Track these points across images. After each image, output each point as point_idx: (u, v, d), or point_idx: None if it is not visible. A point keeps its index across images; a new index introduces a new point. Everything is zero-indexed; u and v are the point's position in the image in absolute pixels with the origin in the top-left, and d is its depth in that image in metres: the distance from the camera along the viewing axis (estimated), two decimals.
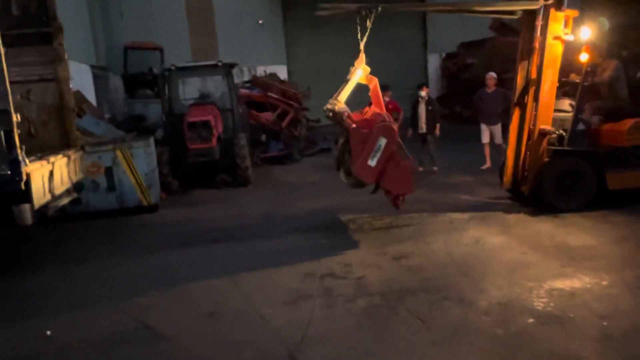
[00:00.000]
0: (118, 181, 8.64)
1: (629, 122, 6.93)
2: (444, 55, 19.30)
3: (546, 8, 6.80)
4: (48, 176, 6.25)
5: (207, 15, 19.34)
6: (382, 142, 5.96)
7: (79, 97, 11.05)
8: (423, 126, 10.32)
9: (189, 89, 12.40)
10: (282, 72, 18.96)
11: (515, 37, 8.56)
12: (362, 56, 6.60)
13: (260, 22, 19.30)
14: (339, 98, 6.37)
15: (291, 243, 6.56)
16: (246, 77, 17.36)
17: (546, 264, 5.18)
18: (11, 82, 7.47)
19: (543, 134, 6.99)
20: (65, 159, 6.66)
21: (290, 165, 12.65)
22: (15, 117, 5.47)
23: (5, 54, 7.33)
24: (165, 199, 9.64)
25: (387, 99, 10.31)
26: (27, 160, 5.54)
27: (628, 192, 6.90)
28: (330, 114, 6.35)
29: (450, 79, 18.54)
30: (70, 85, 7.78)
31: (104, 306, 5.01)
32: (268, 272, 5.56)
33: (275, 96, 13.85)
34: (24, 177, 5.49)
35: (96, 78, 16.39)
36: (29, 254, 7.06)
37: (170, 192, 10.04)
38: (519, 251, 5.63)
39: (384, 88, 10.36)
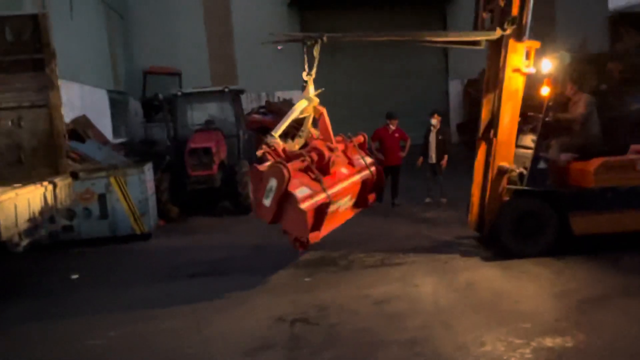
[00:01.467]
0: (111, 209, 8.47)
1: (596, 162, 6.33)
2: (465, 81, 18.85)
3: (505, 38, 6.39)
4: (24, 206, 6.09)
5: (227, 41, 19.45)
6: (273, 183, 5.58)
7: (84, 121, 11.08)
8: (433, 156, 9.87)
9: (199, 114, 12.30)
10: (300, 98, 18.82)
11: None
12: (310, 87, 6.25)
13: (279, 47, 19.27)
14: (273, 132, 6.02)
15: (273, 280, 6.18)
16: (263, 103, 17.30)
17: (539, 317, 4.64)
18: (3, 109, 7.49)
19: (501, 171, 6.52)
20: (41, 189, 6.47)
21: None
22: None
23: None
24: (163, 226, 9.44)
25: (392, 127, 9.97)
26: None
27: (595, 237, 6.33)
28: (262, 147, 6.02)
29: (473, 106, 18.01)
30: (63, 111, 7.69)
31: (59, 348, 4.72)
32: (237, 315, 5.19)
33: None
34: None
35: (114, 102, 16.58)
36: (9, 284, 6.87)
37: (170, 219, 9.83)
38: (513, 299, 5.11)
39: (389, 116, 10.09)
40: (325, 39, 5.98)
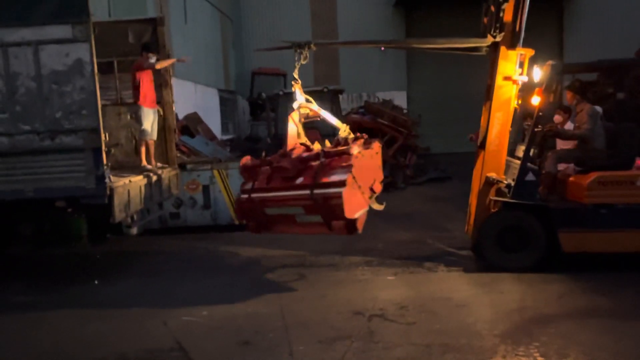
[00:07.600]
0: (213, 199, 9.07)
1: (591, 176, 5.78)
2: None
3: (496, 45, 6.08)
4: (136, 192, 6.75)
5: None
6: None
7: (195, 118, 11.93)
8: None
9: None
10: (401, 98, 18.77)
11: None
12: (298, 91, 6.27)
13: (382, 48, 19.32)
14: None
15: (357, 276, 6.31)
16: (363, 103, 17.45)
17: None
18: (125, 104, 8.34)
19: (488, 182, 6.21)
20: (152, 178, 7.11)
21: (392, 194, 12.27)
22: (104, 136, 6.00)
23: (121, 78, 8.21)
24: None
25: None
26: (111, 177, 6.04)
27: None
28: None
29: None
30: (174, 108, 8.41)
31: (158, 322, 5.17)
32: (319, 306, 5.38)
33: (385, 122, 13.65)
34: (108, 192, 5.98)
35: (223, 101, 17.64)
36: (121, 263, 7.64)
37: None
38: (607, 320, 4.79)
39: None
40: (313, 46, 6.06)
